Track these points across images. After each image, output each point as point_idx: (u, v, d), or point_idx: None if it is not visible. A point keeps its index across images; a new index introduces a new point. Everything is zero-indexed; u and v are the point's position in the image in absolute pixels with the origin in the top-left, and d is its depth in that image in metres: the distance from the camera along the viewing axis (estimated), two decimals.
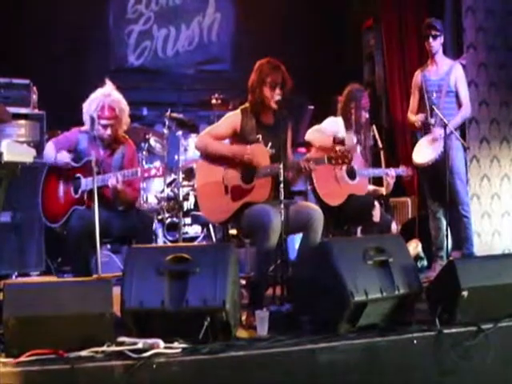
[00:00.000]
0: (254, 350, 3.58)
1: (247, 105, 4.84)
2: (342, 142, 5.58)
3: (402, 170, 5.98)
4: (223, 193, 4.76)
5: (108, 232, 4.93)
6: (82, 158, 5.04)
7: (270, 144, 4.76)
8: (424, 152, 6.17)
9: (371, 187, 5.98)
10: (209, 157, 4.84)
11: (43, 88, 6.82)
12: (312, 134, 5.79)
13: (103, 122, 4.99)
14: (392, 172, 5.91)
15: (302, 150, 6.91)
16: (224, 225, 5.05)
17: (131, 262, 3.80)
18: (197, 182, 5.05)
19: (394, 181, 5.94)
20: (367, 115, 5.91)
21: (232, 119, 4.84)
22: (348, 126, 5.82)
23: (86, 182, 4.94)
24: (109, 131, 5.02)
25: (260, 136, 4.76)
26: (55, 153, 5.05)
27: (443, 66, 6.34)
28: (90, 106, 4.99)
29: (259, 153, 4.72)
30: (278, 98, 4.70)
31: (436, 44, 6.28)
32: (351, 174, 5.69)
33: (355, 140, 5.81)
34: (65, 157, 5.03)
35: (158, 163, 7.03)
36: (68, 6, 8.14)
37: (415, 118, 6.34)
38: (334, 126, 5.81)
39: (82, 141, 5.08)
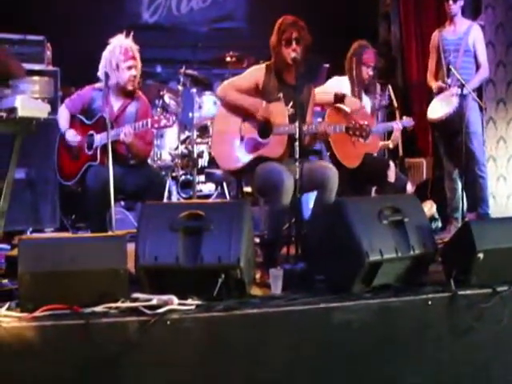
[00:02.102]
0: (267, 308, 3.57)
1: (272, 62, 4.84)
2: (342, 99, 5.51)
3: (407, 122, 5.96)
4: (238, 142, 4.76)
5: (122, 188, 4.95)
6: (96, 115, 5.04)
7: (290, 103, 4.72)
8: (438, 108, 6.14)
9: (381, 143, 5.98)
10: (227, 105, 4.83)
11: (57, 45, 6.80)
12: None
13: (129, 63, 5.02)
14: (399, 125, 5.90)
15: (317, 108, 6.85)
16: (236, 176, 5.06)
17: (145, 219, 3.78)
18: (214, 127, 5.05)
19: (400, 134, 5.98)
20: (371, 72, 5.75)
21: (256, 73, 4.83)
22: (353, 84, 5.73)
23: (99, 138, 4.94)
24: (133, 72, 5.06)
25: (281, 95, 4.72)
26: (66, 125, 5.12)
27: (461, 26, 6.28)
28: (113, 54, 5.02)
29: (278, 111, 4.68)
30: (293, 54, 4.65)
31: (455, 7, 6.23)
32: None
33: (360, 103, 5.71)
34: (72, 136, 5.06)
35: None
36: None
37: (435, 86, 6.27)
38: (335, 85, 5.73)
39: (96, 99, 5.08)
